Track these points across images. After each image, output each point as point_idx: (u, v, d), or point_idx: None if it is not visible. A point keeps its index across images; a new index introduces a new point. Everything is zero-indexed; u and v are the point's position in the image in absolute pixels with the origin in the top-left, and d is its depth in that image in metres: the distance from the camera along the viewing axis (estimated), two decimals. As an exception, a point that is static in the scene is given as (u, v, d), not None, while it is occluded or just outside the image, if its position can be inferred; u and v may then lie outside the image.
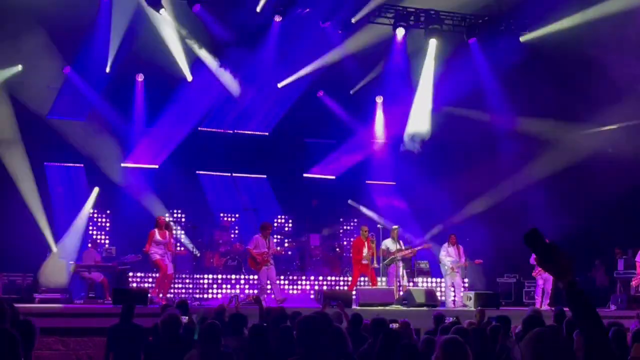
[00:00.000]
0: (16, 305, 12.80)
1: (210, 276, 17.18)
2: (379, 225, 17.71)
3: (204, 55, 18.54)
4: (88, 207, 18.46)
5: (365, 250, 16.20)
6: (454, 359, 4.41)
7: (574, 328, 6.37)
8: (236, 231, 20.10)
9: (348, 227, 20.85)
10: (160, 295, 14.82)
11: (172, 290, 15.86)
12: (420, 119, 20.24)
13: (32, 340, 4.97)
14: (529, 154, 19.00)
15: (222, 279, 17.19)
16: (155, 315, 9.75)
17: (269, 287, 15.29)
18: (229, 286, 17.13)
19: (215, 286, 17.09)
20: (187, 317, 9.04)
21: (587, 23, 16.62)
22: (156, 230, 14.91)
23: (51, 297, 15.28)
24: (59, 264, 16.66)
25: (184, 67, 18.53)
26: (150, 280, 16.38)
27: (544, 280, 16.43)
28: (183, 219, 18.96)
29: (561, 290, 3.12)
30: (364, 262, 16.18)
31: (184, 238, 18.43)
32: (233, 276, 17.31)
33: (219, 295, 16.91)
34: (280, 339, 6.52)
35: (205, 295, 16.72)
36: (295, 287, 17.76)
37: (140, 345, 8.38)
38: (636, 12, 15.95)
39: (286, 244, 18.20)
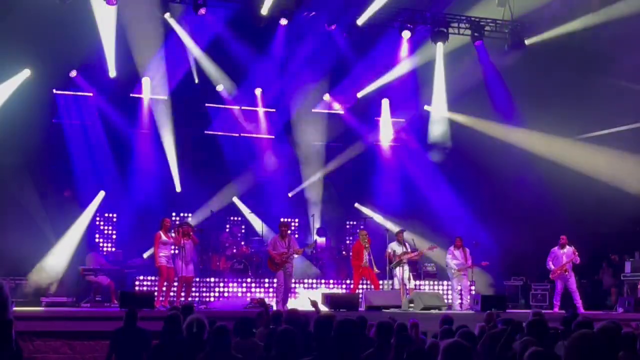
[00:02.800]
0: (23, 309, 12.89)
1: (217, 279, 17.15)
2: (385, 229, 17.68)
3: (210, 58, 18.57)
4: (90, 211, 18.46)
5: (365, 255, 16.18)
6: None
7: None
8: (243, 230, 20.15)
9: (362, 230, 20.81)
10: (169, 299, 14.78)
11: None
12: (436, 124, 20.29)
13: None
14: (536, 156, 18.93)
15: (228, 283, 17.17)
16: (162, 318, 9.73)
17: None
18: (237, 289, 17.14)
19: (221, 289, 17.07)
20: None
21: (594, 26, 16.60)
22: (161, 233, 14.83)
23: (58, 301, 15.29)
24: (52, 267, 16.62)
25: (190, 70, 18.56)
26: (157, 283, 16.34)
27: (563, 282, 16.41)
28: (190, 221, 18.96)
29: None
30: (364, 265, 16.17)
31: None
32: (239, 279, 17.30)
33: (226, 295, 16.95)
34: (283, 340, 6.47)
35: (212, 299, 16.71)
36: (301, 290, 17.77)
37: (143, 349, 8.42)
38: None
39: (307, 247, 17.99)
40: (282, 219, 18.74)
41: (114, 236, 19.38)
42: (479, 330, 8.37)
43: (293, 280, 16.21)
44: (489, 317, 10.14)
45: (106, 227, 19.36)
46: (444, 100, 19.88)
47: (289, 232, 15.62)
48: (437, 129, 20.30)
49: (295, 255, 15.50)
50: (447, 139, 20.12)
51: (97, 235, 18.99)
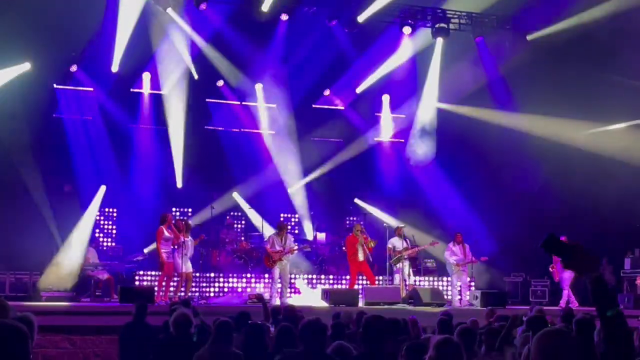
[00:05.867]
0: (23, 303, 12.91)
1: (217, 275, 17.17)
2: (385, 224, 17.71)
3: (211, 53, 18.56)
4: (94, 206, 18.47)
5: (359, 250, 16.17)
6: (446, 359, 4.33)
7: (584, 327, 6.34)
8: (242, 225, 20.16)
9: (356, 225, 20.80)
10: (169, 294, 14.79)
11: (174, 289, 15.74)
12: (427, 118, 20.31)
13: (31, 336, 4.88)
14: (536, 153, 18.91)
15: (228, 277, 17.20)
16: (163, 313, 9.75)
17: (278, 285, 15.42)
18: (237, 285, 17.17)
19: (221, 284, 17.09)
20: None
21: (595, 20, 16.57)
22: (163, 228, 14.83)
23: (58, 296, 15.31)
24: (65, 265, 16.65)
25: (190, 65, 18.56)
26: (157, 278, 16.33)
27: (564, 280, 16.49)
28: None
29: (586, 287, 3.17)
30: (360, 259, 16.17)
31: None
32: (239, 275, 17.33)
33: (228, 290, 16.98)
34: (281, 337, 6.50)
35: (212, 294, 16.75)
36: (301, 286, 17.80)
37: (150, 344, 8.42)
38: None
39: (308, 249, 18.14)
40: (281, 218, 19.06)
41: (114, 231, 19.40)
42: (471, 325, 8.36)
43: (293, 275, 16.40)
44: (490, 313, 10.16)
45: (106, 222, 19.39)
46: (445, 95, 19.87)
47: (286, 231, 16.04)
48: (432, 122, 20.32)
49: (290, 254, 15.88)
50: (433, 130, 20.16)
51: (97, 230, 18.99)
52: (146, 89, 19.19)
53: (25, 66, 16.99)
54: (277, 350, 6.29)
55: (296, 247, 16.25)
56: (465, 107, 19.76)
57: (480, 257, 17.32)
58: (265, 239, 16.64)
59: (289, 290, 16.21)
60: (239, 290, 16.94)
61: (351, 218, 21.22)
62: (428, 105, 20.34)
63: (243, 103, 20.38)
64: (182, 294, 14.89)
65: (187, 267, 14.93)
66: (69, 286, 15.95)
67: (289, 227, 20.07)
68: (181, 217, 17.57)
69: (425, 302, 15.22)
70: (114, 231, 19.43)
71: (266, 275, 17.10)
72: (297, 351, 5.75)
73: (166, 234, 14.73)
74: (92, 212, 18.28)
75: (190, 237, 15.20)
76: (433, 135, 20.31)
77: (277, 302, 14.60)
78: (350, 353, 5.74)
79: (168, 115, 19.09)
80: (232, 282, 17.15)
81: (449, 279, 17.46)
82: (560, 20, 17.56)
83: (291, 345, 6.27)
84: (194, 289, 15.97)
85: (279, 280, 15.49)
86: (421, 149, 20.34)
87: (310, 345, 5.59)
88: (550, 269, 16.93)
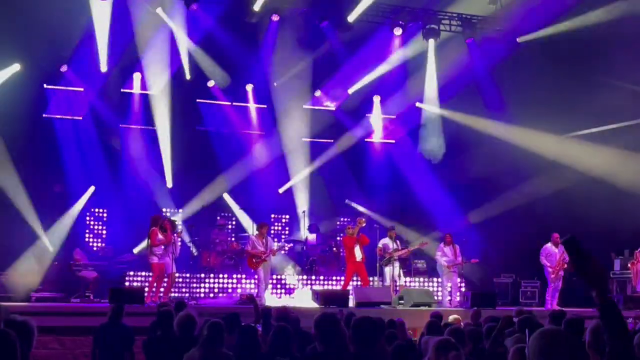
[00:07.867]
0: (13, 304, 12.85)
1: (207, 275, 17.14)
2: (376, 225, 17.72)
3: (201, 54, 18.53)
4: (79, 205, 18.39)
5: (357, 250, 16.14)
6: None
7: (574, 328, 6.36)
8: (233, 226, 20.14)
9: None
10: (159, 295, 14.76)
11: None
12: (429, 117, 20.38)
13: (30, 341, 4.89)
14: (529, 153, 18.97)
15: (219, 278, 17.17)
16: (152, 314, 9.72)
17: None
18: (227, 285, 17.14)
19: (212, 285, 17.06)
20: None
21: (585, 26, 16.66)
22: (157, 229, 14.81)
23: (48, 296, 15.24)
24: (33, 263, 16.49)
25: (182, 65, 18.52)
26: (148, 278, 16.27)
27: (556, 280, 16.51)
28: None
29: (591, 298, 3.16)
30: (357, 260, 16.15)
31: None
32: (230, 275, 17.31)
33: (222, 294, 16.96)
34: (277, 338, 6.49)
35: (202, 295, 16.72)
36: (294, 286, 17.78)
37: (126, 345, 8.45)
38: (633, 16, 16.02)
39: (286, 248, 18.15)
40: (271, 219, 19.06)
41: (104, 232, 19.31)
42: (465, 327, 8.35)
43: (284, 276, 16.41)
44: (476, 314, 10.17)
45: (96, 223, 19.29)
46: (436, 97, 19.89)
47: (266, 232, 16.00)
48: (431, 141, 20.31)
49: (272, 255, 15.84)
50: (441, 150, 20.12)
51: (87, 231, 18.93)
52: (136, 89, 19.15)
53: (15, 67, 16.95)
54: (272, 351, 6.25)
55: (276, 250, 16.17)
56: (457, 111, 19.84)
57: (471, 259, 17.36)
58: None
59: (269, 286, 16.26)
60: (230, 291, 16.92)
61: (342, 219, 21.21)
62: (428, 105, 20.39)
63: (234, 104, 20.35)
64: (171, 294, 14.89)
65: (173, 267, 15.00)
66: (37, 283, 15.78)
67: (283, 223, 20.13)
68: (166, 217, 17.54)
69: (415, 302, 15.23)
70: (104, 232, 19.33)
71: (256, 276, 17.08)
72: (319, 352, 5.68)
73: (160, 235, 14.76)
74: (75, 211, 18.17)
75: (175, 236, 15.22)
76: (440, 133, 20.34)
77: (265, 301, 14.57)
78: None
79: (158, 116, 19.04)
80: (223, 284, 17.12)
81: (439, 279, 17.49)
82: (551, 25, 17.63)
83: (287, 346, 6.24)
84: (187, 290, 15.96)
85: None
86: (433, 146, 20.38)
87: (329, 339, 5.52)
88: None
